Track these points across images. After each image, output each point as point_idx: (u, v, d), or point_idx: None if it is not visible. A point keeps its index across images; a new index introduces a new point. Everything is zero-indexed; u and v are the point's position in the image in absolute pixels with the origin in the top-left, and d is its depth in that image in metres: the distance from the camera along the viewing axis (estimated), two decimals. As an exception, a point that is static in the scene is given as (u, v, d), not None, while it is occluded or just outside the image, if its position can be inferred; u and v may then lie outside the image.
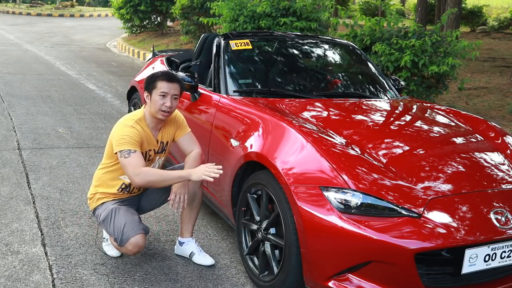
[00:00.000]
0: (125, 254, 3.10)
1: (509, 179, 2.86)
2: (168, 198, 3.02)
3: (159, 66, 4.92)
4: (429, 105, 3.96)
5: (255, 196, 3.00)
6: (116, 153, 2.91)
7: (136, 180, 2.84)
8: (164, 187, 3.14)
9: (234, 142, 3.18)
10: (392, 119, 3.59)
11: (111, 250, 3.19)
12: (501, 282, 2.65)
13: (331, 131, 2.97)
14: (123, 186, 3.09)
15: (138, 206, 3.21)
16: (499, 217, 2.55)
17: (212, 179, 2.77)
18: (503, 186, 2.79)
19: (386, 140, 3.06)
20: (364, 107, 3.62)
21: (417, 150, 2.98)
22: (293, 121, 2.99)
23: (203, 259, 3.17)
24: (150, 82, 3.00)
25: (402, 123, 3.54)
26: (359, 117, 3.39)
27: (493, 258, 2.51)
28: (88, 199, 3.18)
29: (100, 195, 3.10)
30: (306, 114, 3.25)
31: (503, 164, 3.01)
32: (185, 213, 3.19)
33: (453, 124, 3.48)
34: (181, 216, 3.23)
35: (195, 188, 3.15)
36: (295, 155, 2.74)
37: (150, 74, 3.09)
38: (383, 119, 3.52)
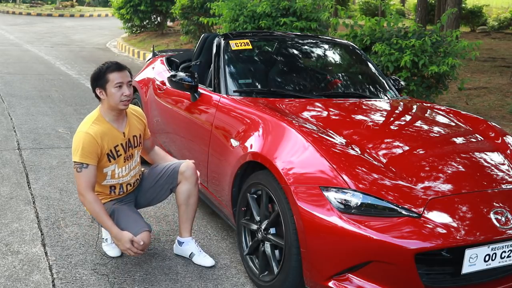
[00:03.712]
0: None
1: (509, 179, 2.86)
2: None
3: (159, 66, 4.92)
4: (429, 105, 3.96)
5: (255, 196, 3.00)
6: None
7: (79, 197, 2.92)
8: (159, 186, 3.20)
9: (234, 142, 3.18)
10: (392, 119, 3.59)
11: (111, 250, 3.19)
12: (501, 282, 2.65)
13: (331, 131, 2.97)
14: (113, 189, 3.09)
15: (135, 202, 3.22)
16: (499, 217, 2.55)
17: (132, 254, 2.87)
18: (503, 186, 2.79)
19: (386, 140, 3.06)
20: (364, 107, 3.62)
21: (417, 150, 2.98)
22: (293, 121, 2.98)
23: (203, 259, 3.16)
24: (100, 78, 2.92)
25: (402, 123, 3.53)
26: (359, 117, 3.39)
27: (493, 258, 2.51)
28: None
29: (99, 195, 3.09)
30: (306, 114, 3.25)
31: (503, 164, 3.00)
32: (182, 211, 3.19)
33: (453, 124, 3.48)
34: (179, 215, 3.22)
35: (190, 186, 3.14)
36: (295, 155, 2.74)
37: (96, 70, 2.95)
38: (383, 119, 3.52)
